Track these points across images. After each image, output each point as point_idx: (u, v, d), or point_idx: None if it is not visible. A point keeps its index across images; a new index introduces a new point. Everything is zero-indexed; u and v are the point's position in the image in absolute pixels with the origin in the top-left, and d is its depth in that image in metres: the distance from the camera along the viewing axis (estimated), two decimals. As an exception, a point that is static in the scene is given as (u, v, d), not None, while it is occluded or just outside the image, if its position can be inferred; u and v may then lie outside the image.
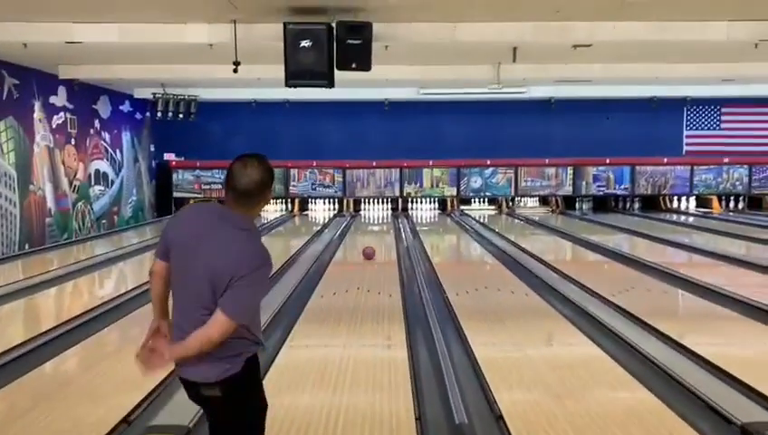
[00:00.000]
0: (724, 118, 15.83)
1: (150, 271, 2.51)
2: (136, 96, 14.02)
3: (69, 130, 11.69)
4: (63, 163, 11.45)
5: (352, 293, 6.85)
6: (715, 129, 15.89)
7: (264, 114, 15.04)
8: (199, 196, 15.22)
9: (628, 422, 3.55)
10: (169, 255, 2.42)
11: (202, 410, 2.67)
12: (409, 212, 15.67)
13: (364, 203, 15.99)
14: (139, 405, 3.78)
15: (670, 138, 15.81)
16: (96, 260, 9.28)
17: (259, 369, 2.52)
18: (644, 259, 8.65)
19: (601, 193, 15.99)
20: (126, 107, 14.07)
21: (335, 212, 15.72)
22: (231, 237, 2.32)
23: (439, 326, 5.46)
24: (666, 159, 15.69)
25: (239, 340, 2.34)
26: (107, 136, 13.19)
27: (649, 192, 15.90)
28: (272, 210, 15.68)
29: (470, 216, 14.98)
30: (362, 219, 14.93)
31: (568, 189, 15.95)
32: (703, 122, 15.89)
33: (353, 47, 6.65)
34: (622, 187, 15.91)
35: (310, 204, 15.99)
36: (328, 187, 15.83)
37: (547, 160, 15.73)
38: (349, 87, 11.88)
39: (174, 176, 15.52)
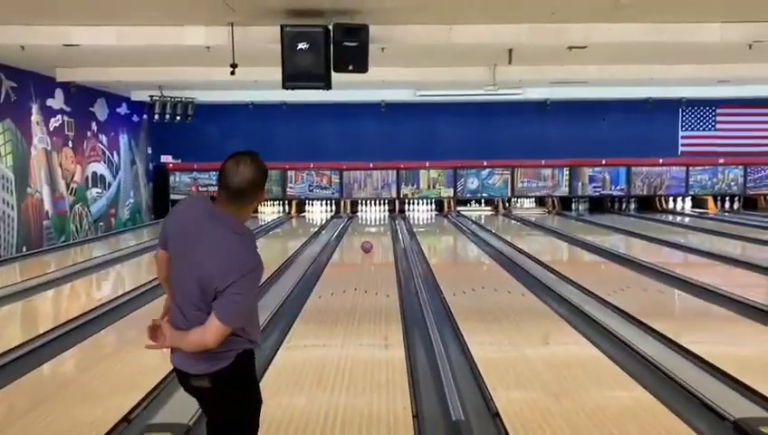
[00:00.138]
0: (719, 119, 15.90)
1: (156, 256, 2.56)
2: (133, 99, 14.04)
3: (66, 132, 11.70)
4: (61, 166, 11.46)
5: (350, 293, 6.88)
6: (710, 129, 15.96)
7: (261, 116, 15.07)
8: (197, 198, 15.20)
9: (624, 420, 3.58)
10: (167, 245, 2.45)
11: (201, 410, 2.69)
12: (406, 213, 15.70)
13: (361, 205, 16.02)
14: (138, 405, 3.80)
15: (666, 139, 15.87)
16: (93, 262, 9.29)
17: (253, 365, 2.51)
18: (640, 259, 8.69)
19: (597, 194, 16.04)
20: (123, 109, 14.08)
21: (332, 214, 15.75)
22: (222, 240, 2.30)
23: (436, 326, 5.48)
24: (661, 160, 15.76)
25: (232, 337, 2.34)
26: (104, 138, 13.20)
27: (645, 193, 15.97)
28: (269, 212, 15.71)
29: (467, 217, 15.02)
30: (359, 221, 14.95)
31: (564, 190, 16.00)
32: (698, 123, 15.96)
33: (350, 49, 6.68)
34: (618, 187, 15.97)
35: (307, 205, 16.01)
36: (325, 188, 15.86)
37: (543, 161, 15.78)
38: (345, 89, 11.94)
39: (171, 178, 15.53)
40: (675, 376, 4.22)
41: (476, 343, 4.91)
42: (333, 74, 6.88)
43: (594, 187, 15.98)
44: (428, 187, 15.90)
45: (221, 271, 2.26)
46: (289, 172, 15.64)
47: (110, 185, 13.41)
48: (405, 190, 15.87)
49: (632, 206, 16.20)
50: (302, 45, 6.67)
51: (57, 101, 11.39)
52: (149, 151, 15.45)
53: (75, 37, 7.52)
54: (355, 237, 11.80)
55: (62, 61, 9.85)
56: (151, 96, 13.42)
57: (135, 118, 14.62)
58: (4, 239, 9.79)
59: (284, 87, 7.01)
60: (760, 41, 7.70)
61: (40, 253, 10.28)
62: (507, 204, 16.16)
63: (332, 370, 4.44)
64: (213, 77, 10.32)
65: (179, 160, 15.55)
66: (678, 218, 14.89)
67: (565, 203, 16.21)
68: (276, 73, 6.96)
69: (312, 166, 15.73)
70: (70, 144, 11.82)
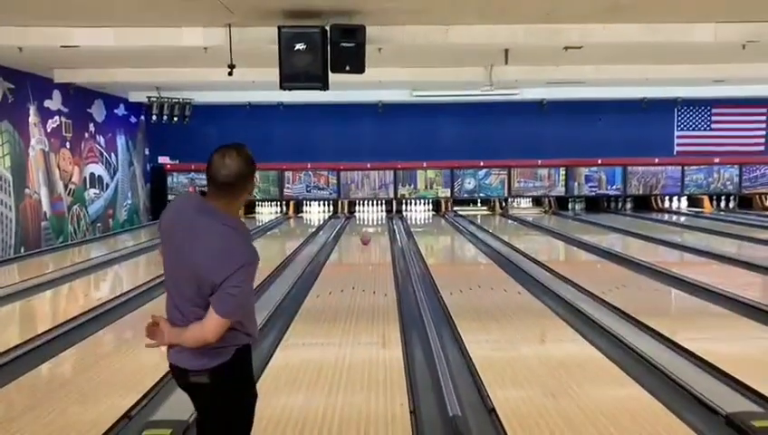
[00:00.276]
0: (714, 118, 15.96)
1: (161, 252, 2.56)
2: (131, 100, 14.05)
3: (64, 133, 11.72)
4: (59, 167, 11.47)
5: (348, 293, 6.91)
6: (705, 129, 16.02)
7: (258, 117, 15.09)
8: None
9: (620, 416, 3.62)
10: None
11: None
12: (404, 214, 15.73)
13: (359, 205, 16.05)
14: (137, 404, 3.83)
15: (661, 138, 15.93)
16: (91, 263, 9.30)
17: (250, 361, 2.53)
18: (636, 258, 8.73)
19: (593, 193, 16.10)
20: (121, 110, 14.09)
21: (330, 214, 15.77)
22: (214, 234, 2.30)
23: (434, 325, 5.52)
24: (657, 160, 15.82)
25: (231, 331, 2.35)
26: (102, 139, 13.21)
27: (641, 192, 16.03)
28: (267, 212, 15.74)
29: (464, 217, 15.05)
30: (357, 221, 14.98)
31: (560, 190, 16.05)
32: (693, 123, 16.02)
33: (347, 50, 6.71)
34: (614, 187, 16.03)
35: (304, 206, 16.04)
36: (322, 189, 15.89)
37: (540, 161, 15.83)
38: (342, 89, 11.97)
39: (169, 179, 15.55)
40: (669, 373, 4.25)
41: (473, 342, 4.94)
42: (330, 75, 6.91)
43: (590, 186, 16.04)
44: (426, 187, 15.94)
45: (215, 265, 2.26)
46: (286, 173, 15.67)
47: (107, 186, 13.42)
48: (402, 191, 15.91)
49: (628, 205, 16.26)
50: (299, 46, 6.69)
51: (55, 103, 11.40)
52: (147, 152, 15.46)
53: (73, 38, 7.52)
54: (353, 237, 11.83)
55: (60, 62, 9.86)
56: (149, 97, 13.43)
57: (133, 119, 14.63)
58: (2, 240, 9.80)
59: (282, 88, 7.04)
60: (754, 41, 7.75)
61: (38, 254, 10.29)
62: (504, 204, 16.21)
63: (330, 368, 4.47)
64: (210, 78, 10.34)
65: (177, 161, 15.57)
66: (674, 218, 14.94)
67: (561, 203, 16.26)
68: (273, 74, 6.98)
69: (309, 166, 15.76)
70: (67, 145, 11.84)
